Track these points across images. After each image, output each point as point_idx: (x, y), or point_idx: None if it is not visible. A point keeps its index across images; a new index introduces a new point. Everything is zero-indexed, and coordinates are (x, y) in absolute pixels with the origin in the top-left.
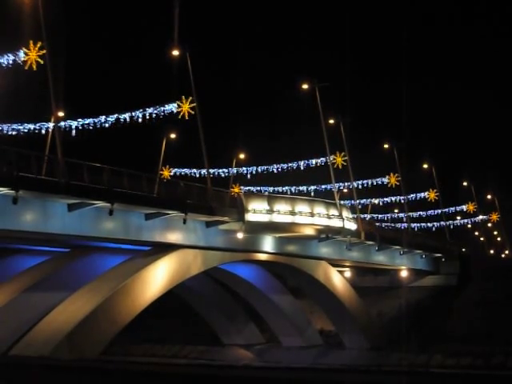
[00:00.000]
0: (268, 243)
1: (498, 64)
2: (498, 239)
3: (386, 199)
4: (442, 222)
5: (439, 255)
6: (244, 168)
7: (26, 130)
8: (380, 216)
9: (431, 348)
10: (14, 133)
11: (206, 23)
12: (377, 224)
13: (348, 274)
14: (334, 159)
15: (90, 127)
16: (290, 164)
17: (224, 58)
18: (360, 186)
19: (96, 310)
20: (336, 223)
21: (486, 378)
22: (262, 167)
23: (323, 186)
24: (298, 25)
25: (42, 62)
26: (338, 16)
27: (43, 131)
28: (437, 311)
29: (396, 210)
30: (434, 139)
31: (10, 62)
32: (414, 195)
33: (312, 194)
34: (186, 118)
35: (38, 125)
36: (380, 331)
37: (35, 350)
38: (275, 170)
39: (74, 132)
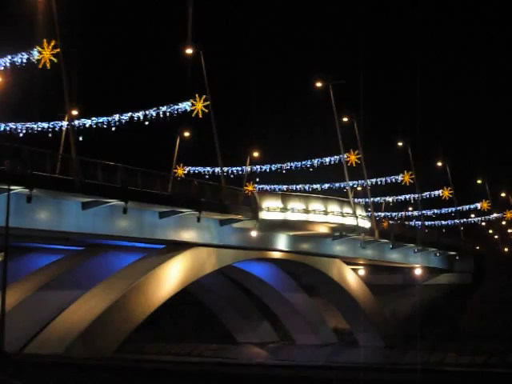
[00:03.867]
0: (282, 241)
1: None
2: None
3: (400, 197)
4: (456, 220)
5: (453, 253)
6: (258, 166)
7: (39, 129)
8: (394, 214)
9: (445, 346)
10: (28, 132)
11: (220, 21)
12: (391, 222)
13: (362, 272)
14: (348, 157)
15: (104, 126)
16: (303, 162)
17: (238, 56)
18: (374, 184)
19: (110, 309)
20: (350, 221)
21: (502, 375)
22: (276, 165)
23: (337, 184)
24: (312, 22)
25: (55, 60)
26: (352, 13)
27: (57, 130)
28: (451, 309)
29: (410, 208)
30: (448, 137)
31: (24, 60)
32: (428, 193)
33: (326, 192)
34: (200, 116)
35: (51, 123)
36: (394, 329)
37: (49, 349)
38: (289, 168)
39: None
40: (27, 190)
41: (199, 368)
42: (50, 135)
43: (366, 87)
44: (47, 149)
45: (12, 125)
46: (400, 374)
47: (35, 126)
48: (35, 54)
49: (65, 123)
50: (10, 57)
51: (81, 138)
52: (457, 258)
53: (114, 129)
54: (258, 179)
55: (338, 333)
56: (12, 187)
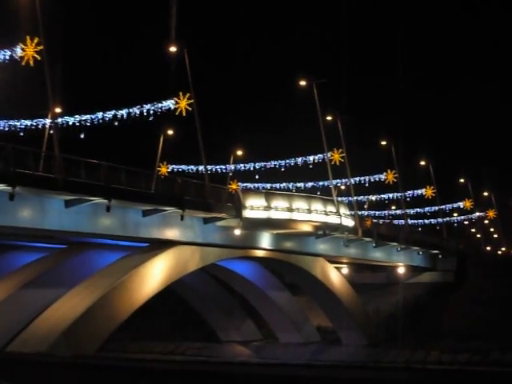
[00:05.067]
0: (265, 240)
1: (496, 60)
2: (495, 236)
3: (383, 196)
4: (439, 219)
5: (436, 252)
6: (242, 164)
7: (22, 127)
8: (377, 213)
9: (428, 344)
10: (11, 129)
11: (203, 20)
12: (374, 221)
13: (345, 270)
14: (332, 156)
15: (88, 123)
16: (287, 160)
17: (222, 54)
18: (358, 183)
19: (93, 307)
20: (333, 220)
21: (484, 374)
22: (260, 164)
23: (321, 183)
24: (295, 21)
25: (39, 58)
26: (335, 12)
27: (40, 127)
28: (434, 308)
29: (393, 207)
30: (431, 136)
31: (7, 57)
32: (411, 192)
33: (310, 190)
34: (184, 114)
35: (35, 121)
36: (377, 328)
37: (32, 347)
38: (273, 167)
39: (82, 135)
40: (10, 188)
41: (183, 367)
42: (33, 133)
43: (349, 86)
44: (30, 146)
45: None
46: (383, 372)
47: (18, 124)
48: (18, 51)
49: (48, 121)
50: None
51: (82, 136)
52: (440, 256)
53: (97, 126)
54: (242, 176)
55: (322, 331)
56: None
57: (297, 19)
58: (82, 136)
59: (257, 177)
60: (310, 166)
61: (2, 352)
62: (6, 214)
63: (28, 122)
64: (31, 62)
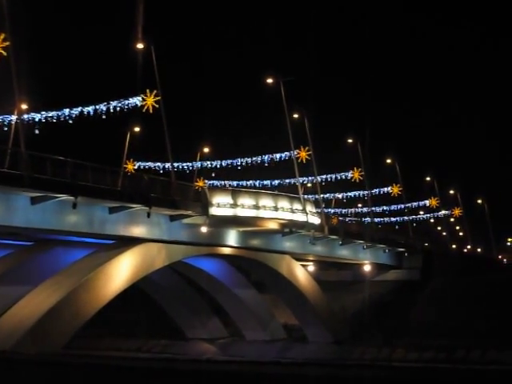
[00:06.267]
0: (232, 237)
1: (458, 59)
2: (461, 234)
3: (349, 194)
4: (405, 217)
5: (402, 250)
6: (208, 162)
7: None
8: (344, 210)
9: (394, 342)
10: None
11: (171, 17)
12: (340, 218)
13: (311, 268)
14: (298, 154)
15: (54, 120)
16: (254, 158)
17: (189, 52)
18: (324, 181)
19: (59, 304)
20: (300, 217)
21: (449, 371)
22: (227, 161)
23: (287, 181)
24: (263, 20)
25: (4, 53)
26: (302, 11)
27: (6, 124)
28: (400, 305)
29: (359, 205)
30: (397, 134)
31: None
32: (378, 190)
33: (276, 188)
34: (151, 111)
35: (0, 117)
36: (343, 325)
37: None
38: (240, 164)
39: (36, 130)
40: None
41: (148, 364)
42: None
43: (316, 84)
44: None
45: None
46: (349, 370)
47: None
48: None
49: (14, 117)
50: None
51: (37, 131)
52: (405, 254)
53: (63, 122)
54: (209, 174)
55: (288, 329)
56: None
57: (266, 17)
58: (37, 132)
59: (213, 174)
60: (277, 164)
61: None
62: None
63: None
64: None
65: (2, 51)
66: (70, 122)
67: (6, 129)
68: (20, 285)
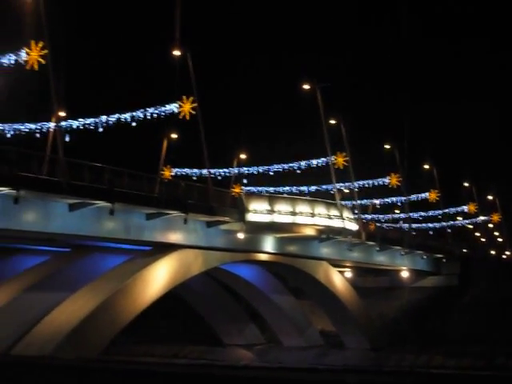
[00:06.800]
0: (269, 243)
1: (498, 65)
2: (499, 240)
3: (387, 200)
4: (443, 223)
5: (440, 256)
6: (245, 168)
7: (27, 130)
8: (381, 216)
9: (432, 349)
10: (15, 133)
11: (207, 23)
12: (378, 224)
13: (349, 274)
14: (335, 159)
15: (92, 127)
16: (290, 164)
17: (226, 58)
18: (361, 187)
19: (97, 310)
20: (337, 224)
21: (487, 378)
22: (263, 167)
23: (324, 187)
24: (300, 26)
25: (43, 61)
26: (339, 16)
27: (45, 131)
28: (438, 312)
29: (397, 211)
30: (435, 139)
31: (12, 61)
32: (415, 196)
33: (313, 194)
34: (187, 118)
35: (39, 124)
36: (381, 332)
37: (36, 350)
38: (276, 171)
39: (67, 137)
40: (14, 191)
41: (186, 370)
42: (37, 136)
43: (353, 90)
44: (35, 150)
45: None
46: (386, 376)
47: (22, 127)
48: (23, 55)
49: (52, 124)
50: None
51: (68, 139)
52: (444, 260)
53: (101, 130)
54: (245, 181)
55: (325, 335)
56: None
57: (302, 22)
58: (68, 139)
59: (245, 181)
60: (314, 170)
61: (6, 355)
62: (10, 217)
63: (32, 126)
64: (35, 66)
65: (41, 59)
66: (102, 129)
67: (38, 135)
68: (58, 291)
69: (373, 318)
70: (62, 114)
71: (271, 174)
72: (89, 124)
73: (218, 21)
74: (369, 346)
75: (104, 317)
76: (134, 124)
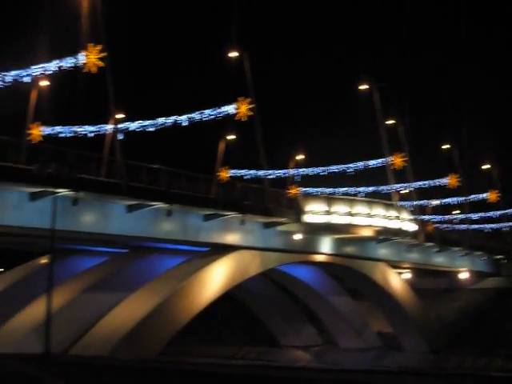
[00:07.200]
0: (326, 244)
1: None
2: None
3: (445, 200)
4: (503, 224)
5: (500, 257)
6: (302, 169)
7: (85, 132)
8: (439, 217)
9: (492, 351)
10: (74, 135)
11: (263, 24)
12: (436, 225)
13: (407, 275)
14: (393, 160)
15: (149, 129)
16: (348, 165)
17: (282, 59)
18: (419, 187)
19: (154, 311)
20: (394, 224)
21: None
22: (320, 168)
23: (381, 187)
24: (356, 25)
25: (102, 64)
26: (396, 14)
27: (102, 133)
28: (498, 314)
29: (456, 212)
30: (495, 139)
31: (71, 64)
32: (475, 196)
33: (371, 194)
34: (244, 119)
35: (97, 126)
36: (439, 334)
37: (94, 350)
38: (333, 171)
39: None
40: (73, 193)
41: (242, 371)
42: (94, 138)
43: (411, 89)
44: (93, 152)
45: (58, 128)
46: (445, 379)
47: (81, 130)
48: (81, 58)
49: (110, 126)
50: (56, 61)
51: (121, 137)
52: (504, 261)
53: (158, 131)
54: (302, 181)
55: (382, 337)
56: (58, 190)
57: (359, 22)
58: (121, 137)
59: (295, 181)
60: (371, 170)
61: (65, 355)
62: (69, 218)
63: (90, 128)
64: (94, 69)
65: (99, 62)
66: (159, 131)
67: (90, 135)
68: (115, 292)
69: (431, 320)
70: (120, 115)
71: (328, 174)
72: (146, 126)
73: (274, 21)
74: (427, 348)
75: (161, 318)
76: (188, 125)
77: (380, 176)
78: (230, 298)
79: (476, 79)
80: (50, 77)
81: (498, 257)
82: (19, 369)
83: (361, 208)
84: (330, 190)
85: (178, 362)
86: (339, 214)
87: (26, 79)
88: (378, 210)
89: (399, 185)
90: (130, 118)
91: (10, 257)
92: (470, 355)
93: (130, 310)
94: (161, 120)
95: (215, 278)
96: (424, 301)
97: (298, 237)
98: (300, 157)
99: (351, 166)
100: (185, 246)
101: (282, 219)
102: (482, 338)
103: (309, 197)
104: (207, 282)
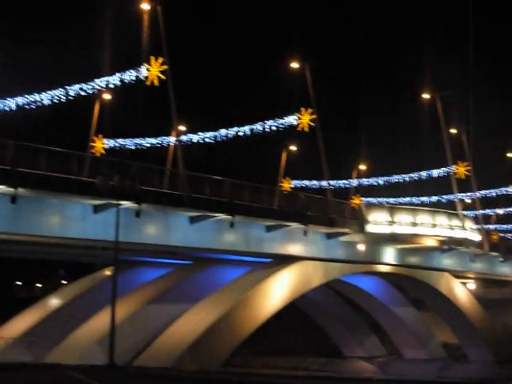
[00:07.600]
0: (389, 254)
1: None
2: None
3: (510, 209)
4: None
5: None
6: (364, 179)
7: (148, 145)
8: (505, 226)
9: None
10: (136, 147)
11: (324, 34)
12: (501, 235)
13: (471, 285)
14: (456, 169)
15: (211, 141)
16: (411, 174)
17: (342, 68)
18: (483, 196)
19: (218, 322)
20: (458, 234)
21: None
22: (383, 178)
23: (445, 197)
24: (419, 33)
25: (163, 77)
26: (459, 24)
27: (165, 145)
28: None
29: None
30: None
31: (133, 78)
32: None
33: (434, 204)
34: (306, 130)
35: (159, 139)
36: (505, 344)
37: (158, 361)
38: (396, 181)
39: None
40: (136, 205)
41: (306, 382)
42: (158, 151)
43: (475, 97)
44: (155, 164)
45: (121, 141)
46: None
47: (144, 142)
48: (143, 71)
49: (172, 138)
50: (119, 74)
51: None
52: None
53: (220, 143)
54: (365, 191)
55: (447, 347)
56: (121, 202)
57: (421, 30)
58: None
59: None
60: (435, 180)
61: (129, 366)
62: (132, 230)
63: (153, 140)
64: (156, 82)
65: (161, 75)
66: (227, 142)
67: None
68: (179, 303)
69: (497, 330)
70: (182, 128)
71: (391, 184)
72: (208, 137)
73: (335, 31)
74: (493, 359)
75: (225, 329)
76: (250, 136)
77: (444, 185)
78: (293, 309)
79: None
80: (112, 90)
81: None
82: (84, 380)
83: (424, 218)
84: (394, 199)
85: (241, 374)
86: (403, 223)
87: (89, 92)
88: (442, 220)
89: (463, 194)
90: (193, 131)
91: (73, 269)
92: None
93: (193, 322)
94: (223, 131)
95: (278, 289)
96: (489, 311)
97: (361, 247)
98: (363, 167)
99: (414, 176)
100: (248, 257)
101: (345, 229)
102: None
103: (371, 207)
104: (270, 293)
